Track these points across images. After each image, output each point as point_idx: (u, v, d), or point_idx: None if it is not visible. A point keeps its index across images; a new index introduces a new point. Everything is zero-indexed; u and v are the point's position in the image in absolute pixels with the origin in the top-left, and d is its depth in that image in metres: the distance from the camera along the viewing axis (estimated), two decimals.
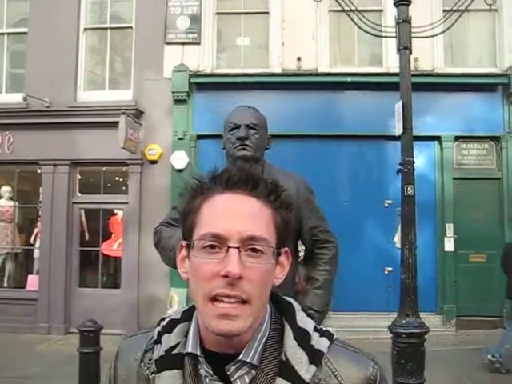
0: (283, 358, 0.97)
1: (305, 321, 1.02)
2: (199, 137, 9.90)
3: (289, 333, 0.99)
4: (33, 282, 10.11)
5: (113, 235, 10.39)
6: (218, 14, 10.30)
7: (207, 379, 0.99)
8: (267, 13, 10.19)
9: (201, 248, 0.96)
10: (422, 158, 9.24)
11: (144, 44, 10.04)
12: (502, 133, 9.76)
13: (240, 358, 0.96)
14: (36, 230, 10.45)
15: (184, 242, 1.03)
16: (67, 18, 10.19)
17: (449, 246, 9.61)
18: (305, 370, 0.95)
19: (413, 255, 4.85)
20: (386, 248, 9.59)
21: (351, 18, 6.37)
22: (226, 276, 0.91)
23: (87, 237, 10.40)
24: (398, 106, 5.22)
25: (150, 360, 1.05)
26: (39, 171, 10.17)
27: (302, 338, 0.98)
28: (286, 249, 1.05)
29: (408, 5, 5.25)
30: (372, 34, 6.64)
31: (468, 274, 9.65)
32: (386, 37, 6.76)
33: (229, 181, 0.99)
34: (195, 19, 10.09)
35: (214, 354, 0.98)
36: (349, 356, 1.00)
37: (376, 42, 9.78)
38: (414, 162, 5.05)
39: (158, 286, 9.48)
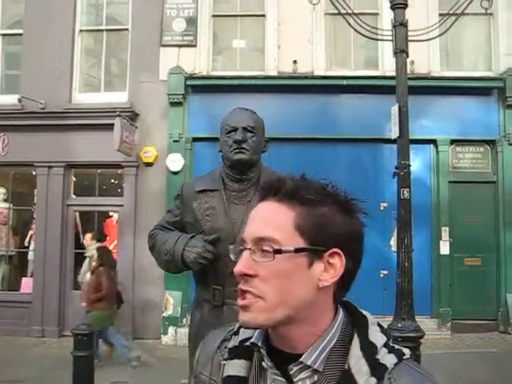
0: (346, 367, 0.98)
1: (376, 335, 1.03)
2: (195, 139, 9.88)
3: (356, 343, 1.00)
4: (27, 284, 10.05)
5: (108, 238, 10.35)
6: (214, 16, 10.29)
7: (269, 373, 1.03)
8: (263, 15, 10.19)
9: (239, 252, 1.05)
10: (418, 162, 9.23)
11: (140, 46, 10.02)
12: (498, 136, 9.78)
13: (301, 359, 0.98)
14: (30, 233, 10.41)
15: None
16: (63, 20, 10.16)
17: (444, 249, 9.61)
18: (364, 380, 0.95)
19: (409, 259, 4.84)
20: (382, 251, 9.58)
21: (347, 21, 6.37)
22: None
23: (82, 239, 10.35)
24: (395, 109, 5.23)
25: (225, 348, 1.12)
26: (34, 173, 10.13)
27: (368, 350, 0.99)
28: (335, 250, 1.02)
29: (404, 8, 5.26)
30: (368, 37, 6.64)
31: (463, 278, 9.66)
32: (382, 40, 6.77)
33: (262, 192, 1.08)
34: (191, 21, 10.08)
35: (278, 352, 1.03)
36: (414, 377, 0.98)
37: (372, 46, 9.78)
38: (410, 166, 5.05)
39: (153, 289, 9.45)
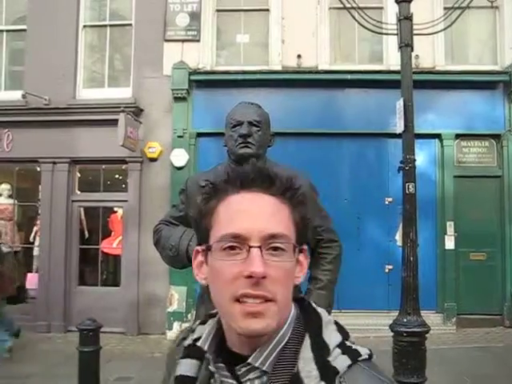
0: (295, 370, 0.93)
1: (331, 334, 0.97)
2: (199, 134, 9.86)
3: (307, 344, 0.95)
4: (32, 280, 10.07)
5: (112, 233, 10.37)
6: (217, 11, 10.26)
7: (216, 375, 0.99)
8: (267, 10, 10.15)
9: (221, 250, 0.94)
10: (423, 156, 9.20)
11: (143, 41, 10.00)
12: (503, 131, 9.73)
13: (249, 360, 0.94)
14: (35, 228, 10.42)
15: (200, 248, 1.02)
16: (66, 15, 10.15)
17: (449, 244, 9.58)
18: None
19: (414, 253, 4.83)
20: (387, 246, 9.57)
21: (352, 15, 6.35)
22: (249, 276, 0.90)
23: (87, 235, 10.38)
24: (400, 103, 5.21)
25: (183, 346, 1.08)
26: (38, 169, 10.13)
27: (320, 351, 0.93)
28: (305, 247, 1.03)
29: (409, 2, 5.24)
30: (373, 31, 6.62)
31: (468, 272, 9.63)
32: (386, 34, 6.74)
33: (243, 180, 0.98)
34: (195, 16, 10.05)
35: (233, 354, 0.98)
36: (369, 381, 0.91)
37: (376, 40, 9.75)
38: (415, 160, 5.03)
39: (158, 284, 9.46)
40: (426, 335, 4.74)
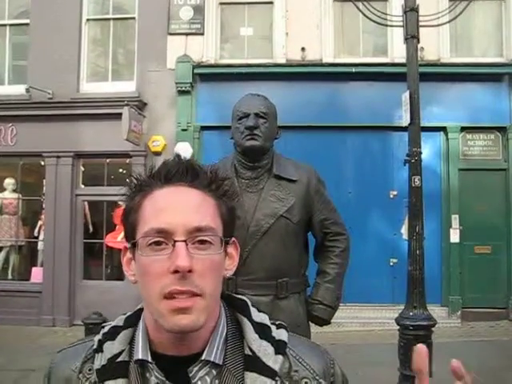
0: (248, 353, 0.95)
1: (260, 315, 1.02)
2: (203, 128, 9.85)
3: (248, 327, 0.98)
4: (37, 274, 10.10)
5: (117, 227, 10.36)
6: (221, 4, 10.22)
7: None
8: (271, 3, 10.10)
9: (146, 246, 0.92)
10: (428, 149, 9.15)
11: (147, 35, 9.97)
12: (508, 123, 9.68)
13: (203, 357, 0.93)
14: (40, 223, 10.43)
15: (128, 244, 0.99)
16: (69, 9, 10.12)
17: (454, 237, 9.55)
18: (273, 360, 0.94)
19: (420, 247, 4.81)
20: (392, 239, 9.55)
21: (357, 7, 6.31)
22: (175, 271, 0.88)
23: (91, 229, 10.38)
24: (406, 95, 5.17)
25: (89, 370, 0.99)
26: (42, 163, 10.13)
27: (263, 330, 0.98)
28: (234, 239, 1.03)
29: None
30: (378, 23, 6.57)
31: (473, 266, 9.60)
32: (392, 26, 6.69)
33: (167, 174, 0.97)
34: (198, 9, 10.01)
35: (166, 359, 0.95)
36: (306, 345, 1.03)
37: (381, 32, 9.70)
38: (421, 153, 5.00)
39: None
40: (432, 329, 4.72)
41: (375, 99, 9.47)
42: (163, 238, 0.91)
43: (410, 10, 5.15)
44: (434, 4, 8.65)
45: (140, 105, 9.72)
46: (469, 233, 9.55)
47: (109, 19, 10.49)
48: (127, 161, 10.13)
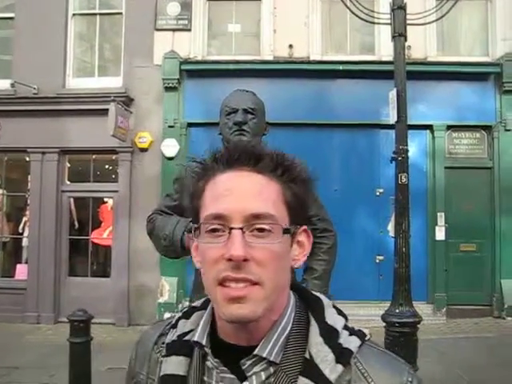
0: (307, 356, 0.89)
1: (334, 318, 0.95)
2: (190, 124, 9.81)
3: (314, 329, 0.92)
4: (21, 271, 10.01)
5: (103, 224, 10.31)
6: (209, 0, 10.17)
7: (214, 372, 0.94)
8: (259, 0, 10.08)
9: (205, 232, 0.91)
10: (414, 147, 9.19)
11: (134, 30, 9.90)
12: (494, 122, 9.75)
13: (255, 352, 0.90)
14: (24, 219, 10.35)
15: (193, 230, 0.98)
16: (55, 3, 10.01)
17: (440, 235, 9.62)
18: (330, 369, 0.87)
19: (406, 244, 4.84)
20: (378, 237, 9.58)
21: (345, 3, 6.31)
22: (230, 259, 0.86)
23: (77, 225, 10.31)
24: (393, 93, 5.19)
25: (163, 343, 1.03)
26: (27, 159, 10.04)
27: (329, 335, 0.91)
28: (305, 227, 0.98)
29: None
30: (365, 21, 6.59)
31: (458, 263, 9.68)
32: (379, 23, 6.71)
33: (229, 158, 0.93)
34: (186, 5, 9.96)
35: (230, 346, 0.93)
36: (382, 358, 0.92)
37: (368, 30, 9.73)
38: (408, 151, 5.03)
39: (149, 275, 9.43)
40: (418, 326, 4.75)
41: (362, 97, 9.49)
42: (220, 224, 0.89)
43: (398, 8, 5.17)
44: (421, 3, 8.66)
45: (127, 101, 9.66)
46: (454, 231, 9.62)
47: (95, 14, 10.40)
48: (113, 157, 10.07)
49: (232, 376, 0.91)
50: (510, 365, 6.35)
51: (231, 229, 0.87)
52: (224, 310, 0.88)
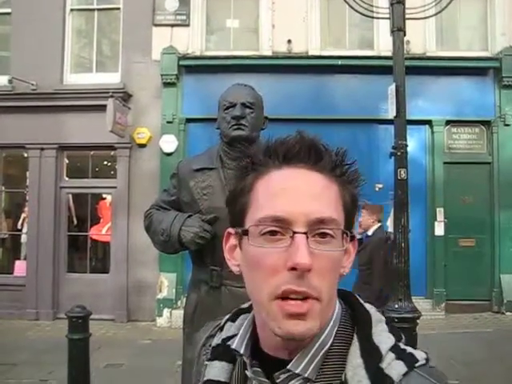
0: (343, 379, 0.80)
1: (382, 336, 0.83)
2: (188, 120, 9.79)
3: (355, 348, 0.82)
4: (20, 267, 10.00)
5: (101, 220, 10.30)
6: None
7: (254, 382, 0.86)
8: None
9: (259, 235, 0.81)
10: (413, 142, 9.17)
11: (132, 26, 9.86)
12: (493, 117, 9.74)
13: (289, 367, 0.82)
14: (23, 215, 10.33)
15: (233, 230, 0.89)
16: None
17: (439, 230, 9.62)
18: None
19: (405, 239, 4.82)
20: None
21: None
22: (293, 268, 0.77)
23: (75, 222, 10.30)
24: (392, 88, 5.17)
25: (209, 346, 0.97)
26: (26, 155, 10.02)
27: (371, 356, 0.80)
28: (353, 234, 0.88)
29: None
30: (364, 15, 6.55)
31: (457, 259, 9.68)
32: (378, 18, 6.68)
33: (287, 153, 0.84)
34: (184, 1, 9.92)
35: (268, 357, 0.86)
36: None
37: (367, 25, 9.70)
38: (407, 146, 5.01)
39: (148, 271, 9.42)
40: (417, 321, 4.75)
41: (361, 92, 9.48)
42: (280, 227, 0.79)
43: (397, 3, 5.13)
44: None
45: (125, 96, 9.64)
46: (453, 226, 9.62)
47: (93, 10, 10.36)
48: (112, 153, 10.05)
49: None
50: (509, 359, 6.36)
51: (294, 233, 0.78)
52: (281, 325, 0.79)
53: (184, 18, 9.93)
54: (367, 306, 0.89)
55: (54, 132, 9.64)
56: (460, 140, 9.95)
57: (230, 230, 0.91)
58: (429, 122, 9.75)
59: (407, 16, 5.35)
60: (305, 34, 9.87)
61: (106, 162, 10.67)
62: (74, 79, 10.04)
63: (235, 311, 0.97)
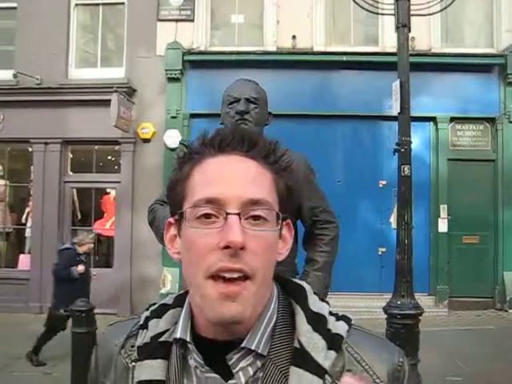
0: (297, 345, 0.84)
1: (318, 304, 0.90)
2: (192, 115, 9.79)
3: (301, 317, 0.87)
4: (24, 261, 10.04)
5: (105, 214, 10.33)
6: None
7: (198, 371, 0.87)
8: None
9: (194, 218, 0.83)
10: (417, 139, 9.12)
11: (136, 21, 9.86)
12: (498, 114, 9.71)
13: (243, 345, 0.84)
14: (27, 209, 10.36)
15: (172, 219, 0.91)
16: None
17: (442, 227, 9.61)
18: (323, 356, 0.82)
19: (409, 236, 4.81)
20: (380, 229, 9.58)
21: None
22: (226, 247, 0.79)
23: (79, 216, 10.33)
24: (396, 85, 5.15)
25: (132, 347, 0.93)
26: (30, 149, 10.05)
27: (317, 321, 0.86)
28: (289, 221, 0.92)
29: None
30: (369, 11, 6.52)
31: (461, 255, 9.68)
32: (383, 14, 6.65)
33: (221, 142, 0.87)
34: None
35: (209, 342, 0.86)
36: (372, 342, 0.89)
37: (372, 21, 9.67)
38: (411, 142, 4.99)
39: (151, 266, 9.44)
40: (419, 317, 4.74)
41: (365, 88, 9.46)
42: (214, 210, 0.82)
43: None
44: None
45: (129, 91, 9.65)
46: (457, 223, 9.60)
47: (98, 4, 10.37)
48: (116, 148, 10.07)
49: (216, 376, 0.85)
50: (511, 357, 6.36)
51: (228, 214, 0.81)
52: (214, 308, 0.81)
53: (189, 13, 9.93)
54: (298, 280, 0.95)
55: (59, 126, 9.66)
56: (464, 137, 9.93)
57: (170, 219, 0.92)
58: (433, 119, 9.74)
59: (412, 12, 5.33)
60: (309, 30, 9.86)
61: (110, 157, 10.69)
62: (79, 74, 10.05)
63: (157, 308, 0.96)
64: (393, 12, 5.29)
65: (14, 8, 10.19)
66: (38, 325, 8.74)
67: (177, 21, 9.95)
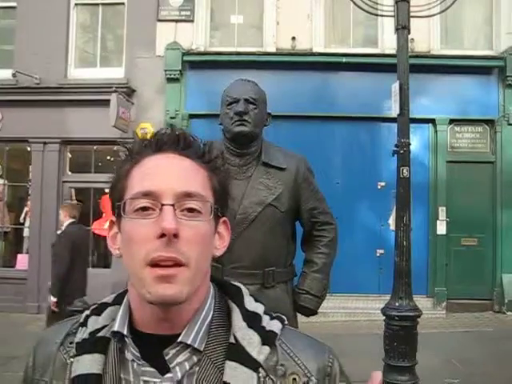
0: (232, 341, 0.89)
1: (254, 304, 0.96)
2: (191, 116, 9.80)
3: (237, 314, 0.92)
4: (22, 261, 10.03)
5: (104, 215, 10.30)
6: None
7: (134, 364, 0.89)
8: None
9: (132, 211, 0.87)
10: (416, 141, 9.15)
11: (136, 21, 9.86)
12: (497, 116, 9.72)
13: (180, 339, 0.87)
14: (26, 209, 10.35)
15: (114, 218, 0.94)
16: None
17: (441, 229, 9.61)
18: (257, 351, 0.88)
19: (407, 238, 4.80)
20: (379, 230, 9.58)
21: None
22: (161, 236, 0.83)
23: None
24: (395, 86, 5.14)
25: (71, 343, 0.95)
26: (29, 149, 10.04)
27: (253, 319, 0.92)
28: (225, 219, 0.98)
29: None
30: (369, 13, 6.51)
31: (459, 257, 9.67)
32: (382, 16, 6.65)
33: (158, 142, 0.93)
34: None
35: (147, 337, 0.89)
36: (303, 340, 0.96)
37: (372, 23, 9.68)
38: (410, 144, 4.99)
39: None
40: (417, 319, 4.74)
41: (365, 90, 9.46)
42: (150, 202, 0.86)
43: (401, 0, 5.09)
44: None
45: (128, 91, 9.65)
46: (455, 225, 9.60)
47: (98, 4, 10.37)
48: (115, 148, 10.05)
49: (152, 369, 0.88)
50: (509, 359, 6.36)
51: (162, 205, 0.85)
52: (151, 290, 0.84)
53: (188, 13, 9.93)
54: (235, 283, 1.01)
55: (58, 126, 9.65)
56: (463, 139, 9.94)
57: (112, 218, 0.95)
58: (432, 121, 9.74)
59: (412, 14, 5.32)
60: (309, 31, 9.86)
61: (108, 157, 10.68)
62: (78, 74, 10.05)
63: (97, 307, 0.99)
64: (392, 14, 5.29)
65: (14, 7, 10.19)
66: (36, 325, 8.75)
67: (176, 21, 9.95)
